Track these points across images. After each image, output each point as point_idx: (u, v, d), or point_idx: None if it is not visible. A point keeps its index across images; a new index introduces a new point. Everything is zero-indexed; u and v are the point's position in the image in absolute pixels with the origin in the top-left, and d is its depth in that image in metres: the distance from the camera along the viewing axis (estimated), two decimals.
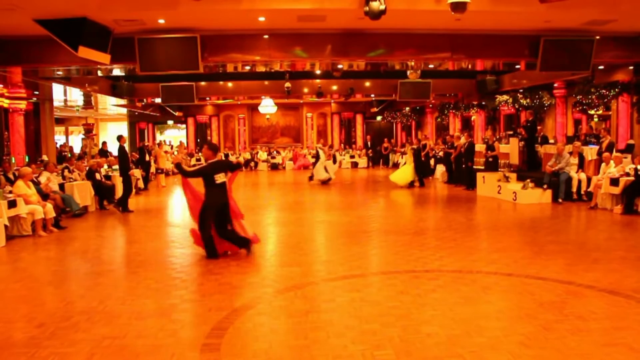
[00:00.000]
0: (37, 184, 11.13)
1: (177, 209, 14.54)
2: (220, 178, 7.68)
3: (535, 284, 6.22)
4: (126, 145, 13.25)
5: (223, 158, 8.14)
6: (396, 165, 27.10)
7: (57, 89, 22.09)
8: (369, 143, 30.17)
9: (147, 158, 19.16)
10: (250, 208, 14.26)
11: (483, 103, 22.96)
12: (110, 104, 30.05)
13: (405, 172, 18.04)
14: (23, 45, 11.24)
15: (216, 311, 5.46)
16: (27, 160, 15.70)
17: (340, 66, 16.26)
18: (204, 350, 4.52)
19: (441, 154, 20.40)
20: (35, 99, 17.77)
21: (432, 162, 21.31)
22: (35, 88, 17.23)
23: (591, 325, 4.89)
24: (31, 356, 4.44)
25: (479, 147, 18.01)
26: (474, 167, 16.83)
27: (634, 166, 11.70)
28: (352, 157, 29.38)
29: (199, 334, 4.88)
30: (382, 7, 8.88)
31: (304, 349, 4.51)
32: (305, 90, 22.46)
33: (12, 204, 9.70)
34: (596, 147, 13.87)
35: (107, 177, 14.59)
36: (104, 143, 19.67)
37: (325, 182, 19.23)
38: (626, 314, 5.23)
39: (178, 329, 5.02)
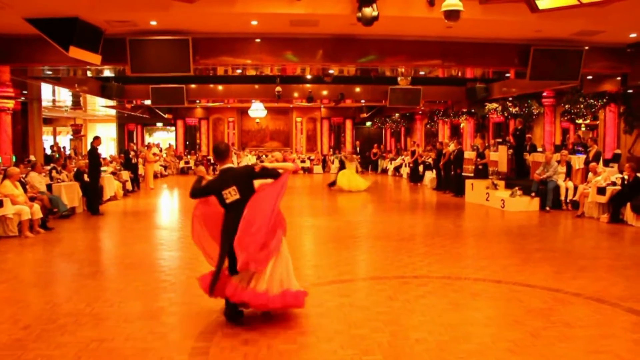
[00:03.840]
0: (24, 184, 11.02)
1: (165, 212, 14.47)
2: (230, 195, 5.17)
3: (523, 291, 6.26)
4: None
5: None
6: (385, 171, 27.31)
7: (46, 89, 21.91)
8: (357, 148, 30.19)
9: (134, 161, 19.07)
10: None
11: (472, 111, 23.11)
12: (99, 105, 29.85)
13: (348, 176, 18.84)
14: (13, 44, 11.13)
15: (205, 314, 5.43)
16: (14, 160, 15.55)
17: (331, 71, 16.28)
18: (193, 353, 4.50)
19: (430, 160, 20.49)
20: (23, 98, 17.62)
21: (420, 168, 21.40)
22: (23, 87, 17.09)
23: (578, 333, 4.93)
24: (17, 358, 4.39)
25: (468, 154, 18.11)
26: (463, 174, 16.91)
27: (620, 175, 11.82)
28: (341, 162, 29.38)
29: (187, 337, 4.85)
30: (375, 13, 8.93)
31: (293, 353, 4.50)
32: (296, 94, 22.44)
33: None
34: (583, 156, 14.00)
35: None
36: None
37: None
38: (612, 321, 5.28)
39: (167, 332, 4.99)
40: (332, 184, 19.02)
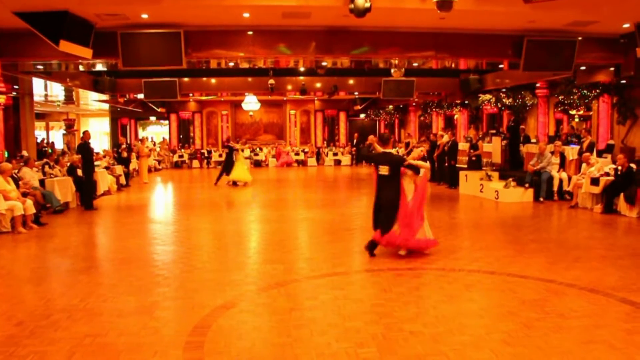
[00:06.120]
0: (16, 179, 10.95)
1: (159, 206, 14.43)
2: (383, 169, 7.56)
3: (517, 282, 6.28)
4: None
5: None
6: None
7: (38, 84, 21.72)
8: (355, 140, 30.14)
9: (125, 155, 18.97)
10: (233, 205, 14.24)
11: (466, 102, 23.09)
12: (92, 100, 29.66)
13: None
14: (2, 39, 11.02)
15: (199, 309, 5.42)
16: (6, 155, 15.44)
17: (324, 63, 16.21)
18: (187, 348, 4.48)
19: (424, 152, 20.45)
20: (15, 93, 17.49)
21: None
22: (15, 82, 16.96)
23: (572, 323, 4.95)
24: (10, 355, 4.37)
25: (462, 145, 18.11)
26: (457, 165, 16.93)
27: (614, 166, 11.85)
28: (335, 154, 29.41)
29: (181, 331, 4.84)
30: (367, 4, 8.87)
31: (287, 347, 4.50)
32: (289, 87, 22.38)
33: None
34: (577, 147, 14.02)
35: None
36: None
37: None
38: (606, 312, 5.30)
39: (160, 326, 4.98)
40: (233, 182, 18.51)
